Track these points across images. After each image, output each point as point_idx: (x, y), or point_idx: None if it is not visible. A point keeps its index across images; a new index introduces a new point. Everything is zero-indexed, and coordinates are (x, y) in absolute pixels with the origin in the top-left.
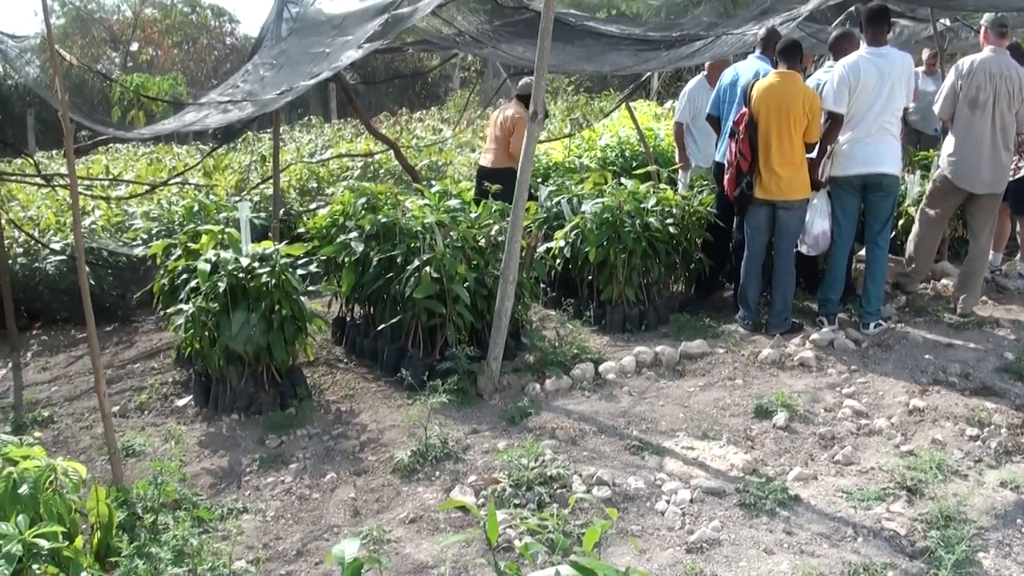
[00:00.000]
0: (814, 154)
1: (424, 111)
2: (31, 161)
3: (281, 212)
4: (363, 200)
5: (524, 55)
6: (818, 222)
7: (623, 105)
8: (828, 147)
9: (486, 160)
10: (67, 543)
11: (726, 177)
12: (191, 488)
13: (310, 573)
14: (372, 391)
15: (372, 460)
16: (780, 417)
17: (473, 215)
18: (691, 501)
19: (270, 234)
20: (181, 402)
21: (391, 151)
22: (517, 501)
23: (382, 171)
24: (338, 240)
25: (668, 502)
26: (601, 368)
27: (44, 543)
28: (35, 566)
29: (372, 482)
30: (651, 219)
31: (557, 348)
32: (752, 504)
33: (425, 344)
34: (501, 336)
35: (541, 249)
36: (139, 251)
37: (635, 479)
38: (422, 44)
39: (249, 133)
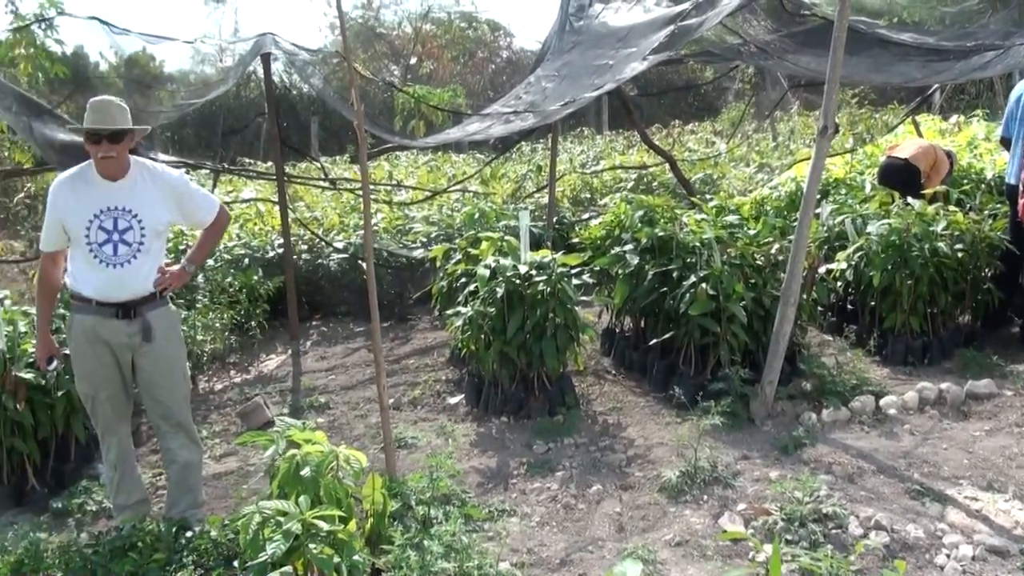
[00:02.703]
0: None
1: (697, 123)
2: (318, 165)
3: (554, 220)
4: (640, 212)
5: (810, 66)
6: None
7: (908, 119)
8: None
9: None
10: (342, 526)
11: (1021, 202)
12: (460, 485)
13: None
14: (640, 405)
15: (639, 476)
16: None
17: (751, 232)
18: (972, 558)
19: (547, 242)
20: (453, 400)
21: (665, 163)
22: (789, 536)
23: (655, 183)
24: (613, 252)
25: (948, 556)
26: (882, 402)
27: (323, 525)
28: (312, 545)
29: (638, 498)
30: (940, 244)
31: (836, 377)
32: None
33: (696, 362)
34: (777, 360)
35: (821, 270)
36: (418, 253)
37: (914, 527)
38: (704, 56)
39: (523, 144)
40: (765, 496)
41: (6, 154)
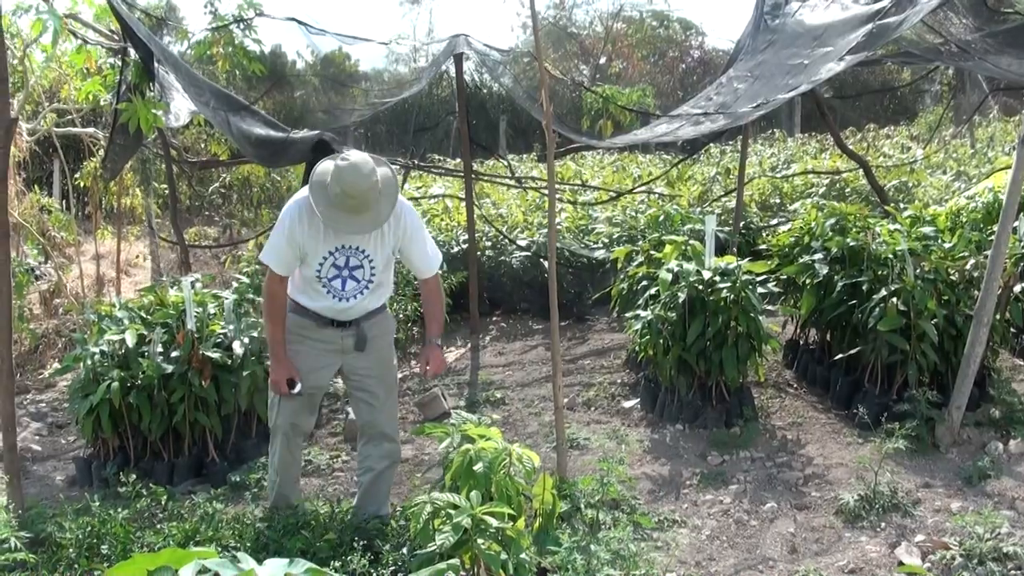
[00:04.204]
0: None
1: (892, 127)
2: (505, 163)
3: (741, 226)
4: (832, 220)
5: (1011, 68)
6: None
7: None
8: None
9: None
10: (511, 524)
11: None
12: (630, 491)
13: None
14: (820, 422)
15: (815, 496)
16: None
17: (947, 245)
18: None
19: (733, 248)
20: (627, 404)
21: (859, 169)
22: (966, 574)
23: (848, 190)
24: (801, 260)
25: None
26: None
27: (492, 521)
28: (480, 540)
29: (813, 520)
30: None
31: None
32: None
33: (882, 381)
34: (967, 384)
35: (1016, 289)
36: (599, 254)
37: None
38: (902, 56)
39: (712, 145)
40: (945, 528)
41: (203, 146)
